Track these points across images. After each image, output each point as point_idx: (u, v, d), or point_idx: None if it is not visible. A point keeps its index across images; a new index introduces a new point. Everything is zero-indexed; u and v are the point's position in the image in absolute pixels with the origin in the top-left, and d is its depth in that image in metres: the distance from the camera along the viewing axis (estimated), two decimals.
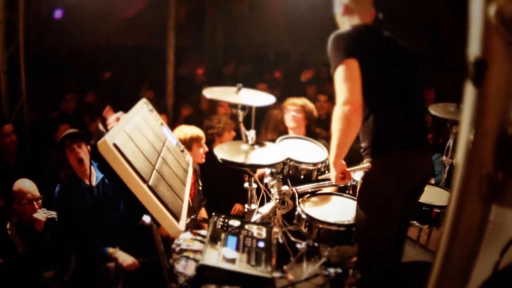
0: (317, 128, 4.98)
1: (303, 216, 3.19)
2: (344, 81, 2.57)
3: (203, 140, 4.32)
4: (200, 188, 4.39)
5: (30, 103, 6.49)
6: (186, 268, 2.37)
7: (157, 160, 2.40)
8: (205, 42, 12.43)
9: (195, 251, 2.47)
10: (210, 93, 3.24)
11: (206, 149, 4.35)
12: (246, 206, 3.37)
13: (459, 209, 1.02)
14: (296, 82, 8.62)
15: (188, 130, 4.28)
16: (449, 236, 1.04)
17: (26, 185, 3.76)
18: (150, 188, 2.06)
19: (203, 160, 4.39)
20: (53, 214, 3.86)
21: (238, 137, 4.45)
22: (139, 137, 2.37)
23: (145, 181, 2.06)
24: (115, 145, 2.03)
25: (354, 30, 2.76)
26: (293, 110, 4.64)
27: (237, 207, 4.76)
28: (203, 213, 4.52)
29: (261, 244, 2.42)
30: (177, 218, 2.12)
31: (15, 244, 3.69)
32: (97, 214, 3.83)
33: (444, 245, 1.06)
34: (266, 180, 3.45)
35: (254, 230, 2.58)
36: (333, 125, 2.64)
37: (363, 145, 2.83)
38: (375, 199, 2.78)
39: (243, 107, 3.19)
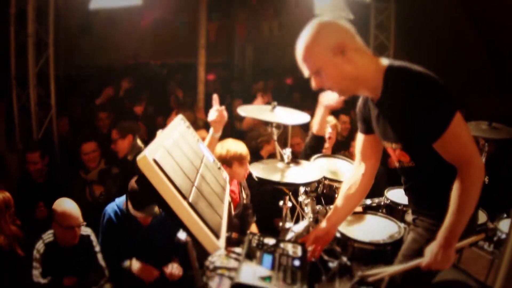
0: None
1: (338, 235, 3.15)
2: (467, 134, 2.19)
3: (246, 160, 3.98)
4: (245, 200, 4.22)
5: (59, 117, 6.59)
6: (220, 286, 2.35)
7: (196, 177, 2.39)
8: (235, 60, 12.55)
9: (229, 269, 2.45)
10: (245, 111, 3.25)
11: (248, 170, 3.90)
12: (281, 224, 3.34)
13: None
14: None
15: (232, 147, 3.94)
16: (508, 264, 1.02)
17: (72, 209, 3.67)
18: (190, 204, 2.05)
19: (243, 180, 4.20)
20: (87, 231, 3.88)
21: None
22: (178, 154, 2.37)
23: (185, 197, 2.05)
24: (155, 161, 2.02)
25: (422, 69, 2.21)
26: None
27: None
28: (253, 228, 4.34)
29: (297, 263, 2.39)
30: (217, 235, 2.11)
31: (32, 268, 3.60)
32: (142, 251, 3.83)
33: (503, 276, 1.03)
34: (300, 198, 3.43)
35: (290, 248, 2.55)
36: (468, 191, 2.11)
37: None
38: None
39: (278, 126, 3.19)
